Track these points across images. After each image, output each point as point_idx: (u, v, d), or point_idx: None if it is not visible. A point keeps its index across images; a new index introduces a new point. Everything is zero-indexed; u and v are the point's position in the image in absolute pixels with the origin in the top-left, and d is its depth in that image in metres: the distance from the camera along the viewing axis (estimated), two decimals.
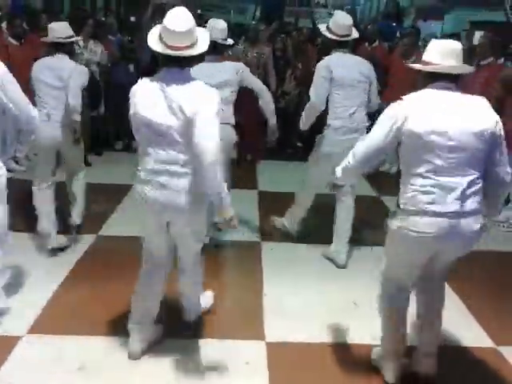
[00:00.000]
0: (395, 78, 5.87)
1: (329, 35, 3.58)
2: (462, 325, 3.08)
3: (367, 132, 3.50)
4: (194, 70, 3.23)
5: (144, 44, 5.96)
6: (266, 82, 4.65)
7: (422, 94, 2.25)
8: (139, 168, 2.42)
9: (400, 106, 2.24)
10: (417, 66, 2.31)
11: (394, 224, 2.30)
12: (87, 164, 5.47)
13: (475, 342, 2.98)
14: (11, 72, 2.65)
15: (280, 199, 4.87)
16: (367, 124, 3.63)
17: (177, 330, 2.87)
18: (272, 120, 3.71)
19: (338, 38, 3.55)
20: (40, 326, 2.84)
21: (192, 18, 2.28)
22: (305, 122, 3.79)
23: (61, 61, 3.60)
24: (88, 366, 2.55)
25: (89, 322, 2.90)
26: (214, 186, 2.23)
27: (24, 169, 5.64)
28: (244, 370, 2.60)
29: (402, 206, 2.27)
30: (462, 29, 11.81)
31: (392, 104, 2.27)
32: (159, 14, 7.47)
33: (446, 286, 2.65)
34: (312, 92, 3.62)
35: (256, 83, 3.64)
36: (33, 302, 3.03)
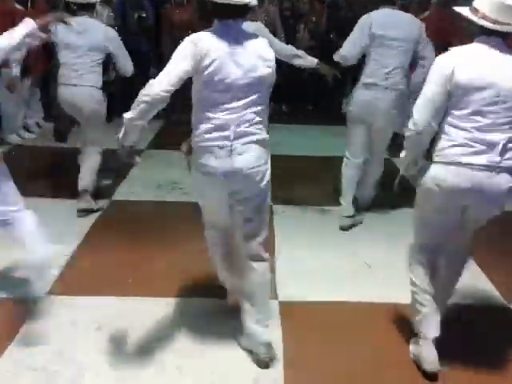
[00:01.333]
0: None
1: None
2: (473, 283, 3.09)
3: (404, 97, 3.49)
4: None
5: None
6: None
7: (469, 47, 2.19)
8: None
9: (447, 57, 2.19)
10: (469, 16, 2.16)
11: (424, 180, 2.26)
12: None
13: (486, 300, 3.02)
14: None
15: (291, 162, 4.86)
16: (403, 87, 3.51)
17: (190, 292, 2.93)
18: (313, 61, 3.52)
19: None
20: (57, 288, 2.90)
21: None
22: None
23: (87, 21, 3.60)
24: (106, 326, 2.61)
25: (105, 284, 2.97)
26: None
27: (35, 136, 5.67)
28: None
29: (436, 159, 2.22)
30: None
31: (438, 57, 2.23)
32: None
33: None
34: (344, 46, 3.53)
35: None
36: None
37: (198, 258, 2.94)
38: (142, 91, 2.09)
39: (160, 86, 2.06)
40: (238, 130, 2.14)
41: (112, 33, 3.76)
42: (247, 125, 2.16)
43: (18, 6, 5.23)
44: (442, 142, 2.21)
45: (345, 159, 3.82)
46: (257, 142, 2.20)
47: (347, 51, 3.52)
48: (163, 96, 2.06)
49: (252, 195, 2.26)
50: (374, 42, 3.44)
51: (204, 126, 2.16)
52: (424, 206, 2.37)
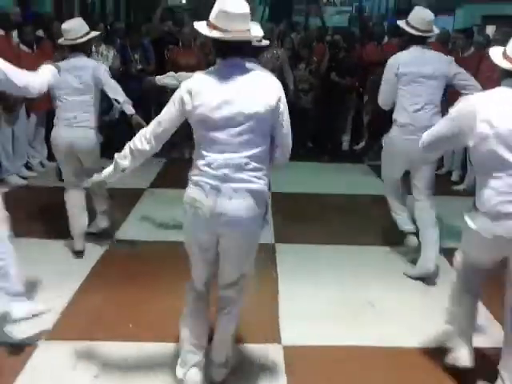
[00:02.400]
0: None
1: (411, 31, 3.48)
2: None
3: None
4: None
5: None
6: (282, 83, 4.62)
7: (494, 92, 2.19)
8: None
9: (469, 104, 2.19)
10: (497, 61, 2.21)
11: (470, 224, 2.26)
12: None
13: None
14: None
15: (292, 200, 4.86)
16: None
17: None
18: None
19: (419, 33, 3.46)
20: (57, 333, 2.84)
21: (246, 1, 2.13)
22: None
23: (79, 61, 3.62)
24: (104, 373, 2.54)
25: (105, 328, 2.90)
26: None
27: (35, 174, 5.67)
28: (261, 375, 2.57)
29: (478, 208, 2.23)
30: (473, 23, 11.67)
31: (461, 100, 2.25)
32: (168, 18, 7.50)
33: None
34: (380, 92, 3.63)
35: None
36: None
37: None
38: (134, 143, 2.19)
39: (148, 141, 2.15)
40: (230, 172, 2.07)
41: (101, 66, 3.78)
42: (240, 169, 2.08)
43: (24, 48, 5.35)
44: (482, 193, 2.21)
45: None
46: (251, 191, 2.10)
47: (383, 98, 3.62)
48: (151, 151, 2.18)
49: (235, 244, 2.18)
50: (401, 81, 3.49)
51: (199, 163, 2.14)
52: (467, 244, 2.40)
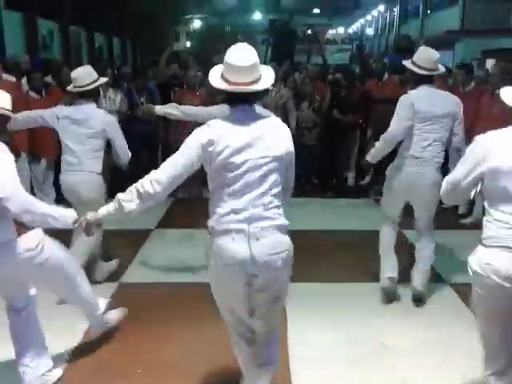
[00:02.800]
0: None
1: (420, 71, 3.55)
2: None
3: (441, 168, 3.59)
4: None
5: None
6: (285, 122, 4.70)
7: (505, 130, 2.20)
8: None
9: (480, 144, 2.19)
10: (509, 101, 2.24)
11: (473, 263, 2.21)
12: None
13: None
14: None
15: (298, 237, 4.82)
16: (441, 160, 3.61)
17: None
18: None
19: (426, 73, 3.55)
20: (64, 382, 2.79)
21: (255, 52, 2.17)
22: (376, 153, 3.78)
23: (87, 108, 3.70)
24: None
25: (114, 377, 2.85)
26: None
27: None
28: None
29: (485, 242, 2.19)
30: (473, 58, 11.88)
31: (474, 141, 2.23)
32: (173, 61, 7.69)
33: None
34: (393, 124, 3.63)
35: None
36: (57, 355, 2.99)
37: (211, 345, 2.85)
38: (143, 186, 2.14)
39: (161, 185, 2.13)
40: (255, 213, 2.11)
41: (110, 118, 3.84)
42: (263, 208, 2.13)
43: (33, 94, 5.48)
44: (491, 227, 2.18)
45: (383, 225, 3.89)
46: (276, 227, 2.15)
47: (396, 129, 3.62)
48: (163, 195, 2.17)
49: (269, 284, 2.17)
50: (415, 118, 3.56)
51: (220, 210, 2.14)
52: (478, 298, 2.31)
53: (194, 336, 3.23)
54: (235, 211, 2.11)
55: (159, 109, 3.86)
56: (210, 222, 2.18)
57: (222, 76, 2.14)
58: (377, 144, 3.78)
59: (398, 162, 3.70)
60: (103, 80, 3.88)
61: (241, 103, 2.17)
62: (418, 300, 3.73)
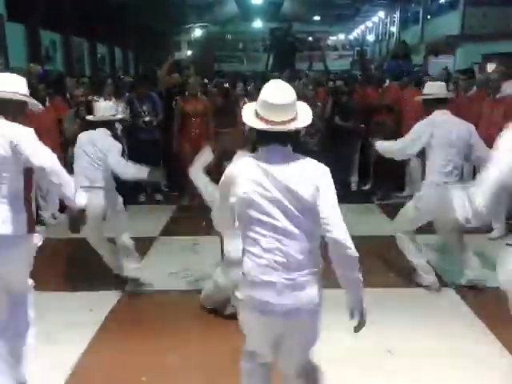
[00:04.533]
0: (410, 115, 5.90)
1: (435, 96, 3.86)
2: None
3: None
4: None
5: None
6: None
7: None
8: None
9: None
10: None
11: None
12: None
13: None
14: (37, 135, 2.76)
15: None
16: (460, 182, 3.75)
17: None
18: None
19: (442, 96, 3.88)
20: None
21: (292, 89, 2.05)
22: (386, 150, 4.04)
23: (102, 135, 3.95)
24: None
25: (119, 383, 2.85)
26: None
27: (45, 228, 5.71)
28: None
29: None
30: (473, 62, 11.91)
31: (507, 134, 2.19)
32: (175, 71, 7.75)
33: None
34: (405, 141, 3.86)
35: None
36: (61, 364, 3.01)
37: (214, 355, 2.85)
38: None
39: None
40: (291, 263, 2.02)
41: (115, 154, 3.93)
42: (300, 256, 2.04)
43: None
44: None
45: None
46: (313, 273, 2.09)
47: (408, 146, 3.85)
48: None
49: (302, 333, 2.16)
50: (434, 143, 3.74)
51: (250, 261, 2.06)
52: None
53: (199, 344, 3.22)
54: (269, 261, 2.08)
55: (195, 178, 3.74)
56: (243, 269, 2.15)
57: (257, 114, 2.03)
58: (393, 143, 3.99)
59: (424, 189, 3.87)
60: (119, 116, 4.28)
61: (273, 142, 2.04)
62: None
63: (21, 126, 2.50)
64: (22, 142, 2.42)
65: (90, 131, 4.00)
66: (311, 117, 2.09)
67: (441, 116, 3.80)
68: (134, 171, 3.84)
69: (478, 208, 2.20)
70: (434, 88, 3.95)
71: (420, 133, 3.80)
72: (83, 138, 3.97)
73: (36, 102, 2.69)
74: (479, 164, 3.68)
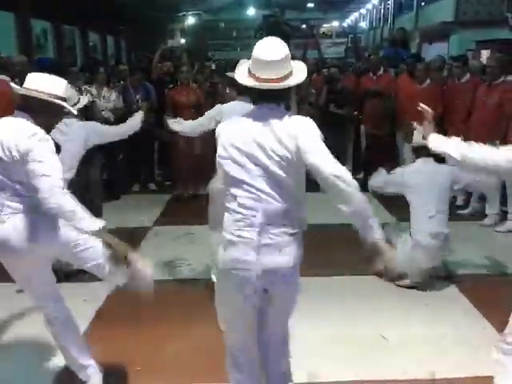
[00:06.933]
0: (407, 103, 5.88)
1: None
2: None
3: None
4: (227, 109, 3.13)
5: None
6: None
7: None
8: None
9: None
10: None
11: None
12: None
13: None
14: None
15: None
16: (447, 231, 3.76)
17: None
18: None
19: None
20: (64, 381, 2.79)
21: (285, 45, 1.99)
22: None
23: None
24: None
25: (114, 375, 2.84)
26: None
27: None
28: None
29: None
30: (467, 48, 11.87)
31: None
32: (167, 58, 7.68)
33: None
34: (382, 178, 3.99)
35: None
36: (55, 355, 2.99)
37: (210, 342, 2.85)
38: None
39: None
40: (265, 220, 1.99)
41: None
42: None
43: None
44: None
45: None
46: (290, 234, 2.03)
47: (379, 182, 4.03)
48: None
49: (281, 297, 2.15)
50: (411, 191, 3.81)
51: (229, 217, 2.04)
52: None
53: (195, 333, 3.23)
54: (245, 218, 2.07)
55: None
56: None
57: (250, 72, 1.98)
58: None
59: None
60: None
61: (265, 101, 2.00)
62: None
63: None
64: None
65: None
66: (306, 75, 2.04)
67: (421, 165, 3.83)
68: None
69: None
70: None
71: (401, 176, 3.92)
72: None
73: (70, 108, 2.47)
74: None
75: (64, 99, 2.39)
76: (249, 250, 1.98)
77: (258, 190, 1.97)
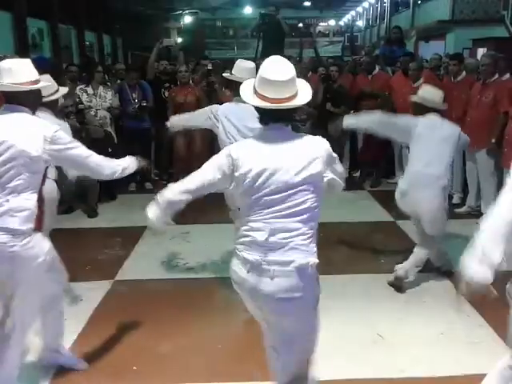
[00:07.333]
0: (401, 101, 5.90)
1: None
2: None
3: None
4: (223, 110, 3.15)
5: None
6: None
7: None
8: None
9: None
10: None
11: None
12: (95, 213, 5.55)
13: None
14: None
15: None
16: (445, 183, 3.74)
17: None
18: None
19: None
20: (60, 381, 2.79)
21: (292, 66, 1.98)
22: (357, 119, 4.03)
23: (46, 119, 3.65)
24: None
25: (109, 375, 2.84)
26: None
27: None
28: None
29: None
30: (463, 47, 11.90)
31: None
32: (164, 57, 7.66)
33: None
34: (386, 122, 3.85)
35: None
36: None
37: (207, 342, 2.84)
38: (164, 194, 2.22)
39: (180, 195, 2.17)
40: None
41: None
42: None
43: None
44: None
45: None
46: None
47: (379, 127, 3.86)
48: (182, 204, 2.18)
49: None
50: (414, 140, 3.75)
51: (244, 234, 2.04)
52: None
53: (191, 332, 3.22)
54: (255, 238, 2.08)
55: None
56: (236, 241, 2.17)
57: (256, 92, 1.97)
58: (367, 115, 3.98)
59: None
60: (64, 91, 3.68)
61: (274, 121, 2.00)
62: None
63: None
64: None
65: None
66: (310, 95, 2.04)
67: (430, 119, 3.77)
68: None
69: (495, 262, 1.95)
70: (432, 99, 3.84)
71: (405, 122, 3.85)
72: None
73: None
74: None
75: (37, 81, 2.43)
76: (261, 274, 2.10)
77: (273, 211, 1.98)
